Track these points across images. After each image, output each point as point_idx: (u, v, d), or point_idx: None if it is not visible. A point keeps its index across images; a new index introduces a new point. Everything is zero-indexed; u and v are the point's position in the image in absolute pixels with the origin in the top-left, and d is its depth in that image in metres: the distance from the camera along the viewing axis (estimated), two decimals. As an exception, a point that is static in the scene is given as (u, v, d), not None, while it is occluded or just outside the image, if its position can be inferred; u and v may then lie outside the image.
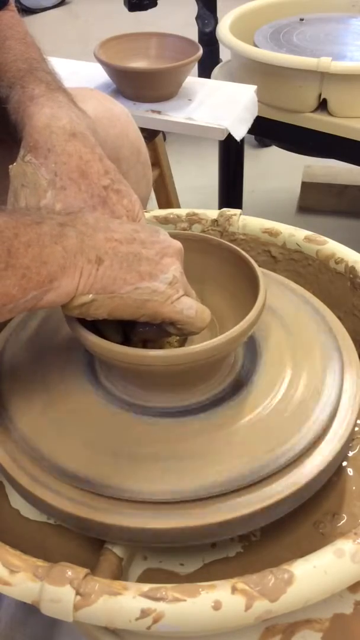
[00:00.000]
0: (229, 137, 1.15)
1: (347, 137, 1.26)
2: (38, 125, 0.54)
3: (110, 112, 0.78)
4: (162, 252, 0.50)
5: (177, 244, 0.52)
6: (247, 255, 0.57)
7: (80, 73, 1.28)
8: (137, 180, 0.81)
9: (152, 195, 1.41)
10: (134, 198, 0.56)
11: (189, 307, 0.50)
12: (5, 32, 0.68)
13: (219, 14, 1.87)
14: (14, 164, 0.54)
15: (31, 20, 3.31)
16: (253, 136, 1.95)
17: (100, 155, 0.55)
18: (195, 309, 0.51)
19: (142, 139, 0.82)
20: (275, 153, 1.89)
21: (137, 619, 0.38)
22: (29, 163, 0.53)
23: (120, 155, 0.77)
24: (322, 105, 1.27)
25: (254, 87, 1.24)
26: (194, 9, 1.95)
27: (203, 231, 0.73)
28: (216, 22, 1.88)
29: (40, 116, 0.55)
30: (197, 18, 1.95)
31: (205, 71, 1.79)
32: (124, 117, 0.80)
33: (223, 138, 1.15)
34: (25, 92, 0.58)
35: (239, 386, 0.54)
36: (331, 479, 0.52)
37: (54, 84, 0.60)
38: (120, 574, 0.48)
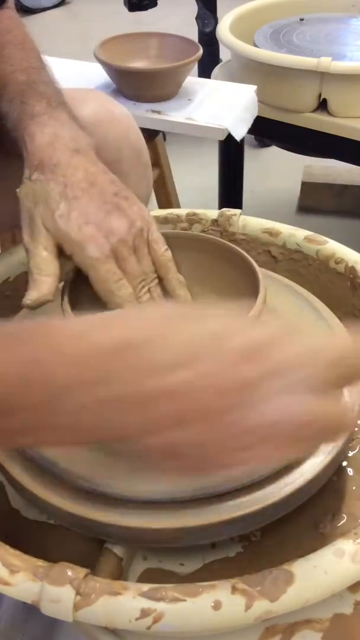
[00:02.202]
0: (229, 137, 1.15)
1: (347, 137, 1.25)
2: (41, 144, 0.55)
3: (111, 114, 0.77)
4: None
5: None
6: (247, 255, 0.57)
7: (80, 73, 1.28)
8: (138, 181, 0.81)
9: (152, 195, 1.41)
10: (142, 205, 0.57)
11: None
12: (3, 37, 0.67)
13: (219, 14, 1.87)
14: (21, 186, 0.55)
15: (31, 20, 3.31)
16: (253, 136, 1.94)
17: (104, 168, 0.56)
18: None
19: (143, 140, 0.82)
20: (275, 153, 1.89)
21: (137, 619, 0.38)
22: (36, 181, 0.54)
23: (121, 157, 0.77)
24: (322, 105, 1.27)
25: (254, 87, 1.24)
26: (194, 9, 1.94)
27: (203, 231, 0.73)
28: (216, 22, 1.88)
29: (43, 135, 0.56)
30: (197, 18, 1.95)
31: (205, 71, 1.79)
32: (125, 119, 0.80)
33: (223, 138, 1.15)
34: (26, 109, 0.58)
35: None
36: (331, 479, 0.52)
37: (55, 99, 0.60)
38: (120, 574, 0.48)
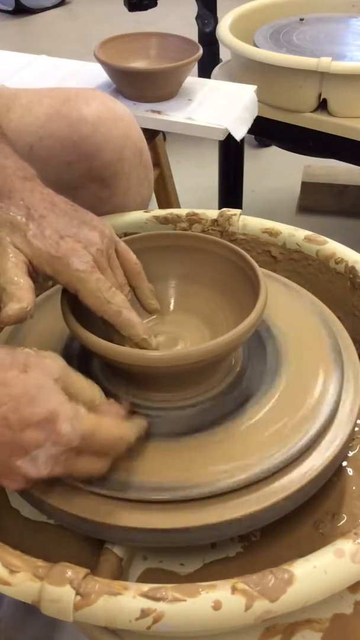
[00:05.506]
0: (229, 137, 1.15)
1: (347, 137, 1.26)
2: None
3: (113, 113, 0.77)
4: (24, 422, 0.41)
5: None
6: (247, 256, 0.57)
7: (80, 73, 1.28)
8: (139, 181, 0.81)
9: (152, 195, 1.41)
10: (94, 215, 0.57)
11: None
12: None
13: (219, 14, 1.87)
14: None
15: (31, 20, 3.31)
16: (253, 136, 1.95)
17: (52, 191, 0.56)
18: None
19: (144, 140, 0.82)
20: (275, 153, 1.89)
21: (137, 619, 0.38)
22: None
23: (122, 156, 0.77)
24: (322, 105, 1.27)
25: (254, 87, 1.24)
26: (194, 9, 1.95)
27: (203, 231, 0.73)
28: (216, 22, 1.88)
29: None
30: (197, 18, 1.95)
31: (205, 71, 1.79)
32: (127, 118, 0.79)
33: (223, 138, 1.15)
34: None
35: (238, 386, 0.54)
36: (331, 479, 0.52)
37: None
38: (120, 574, 0.48)
